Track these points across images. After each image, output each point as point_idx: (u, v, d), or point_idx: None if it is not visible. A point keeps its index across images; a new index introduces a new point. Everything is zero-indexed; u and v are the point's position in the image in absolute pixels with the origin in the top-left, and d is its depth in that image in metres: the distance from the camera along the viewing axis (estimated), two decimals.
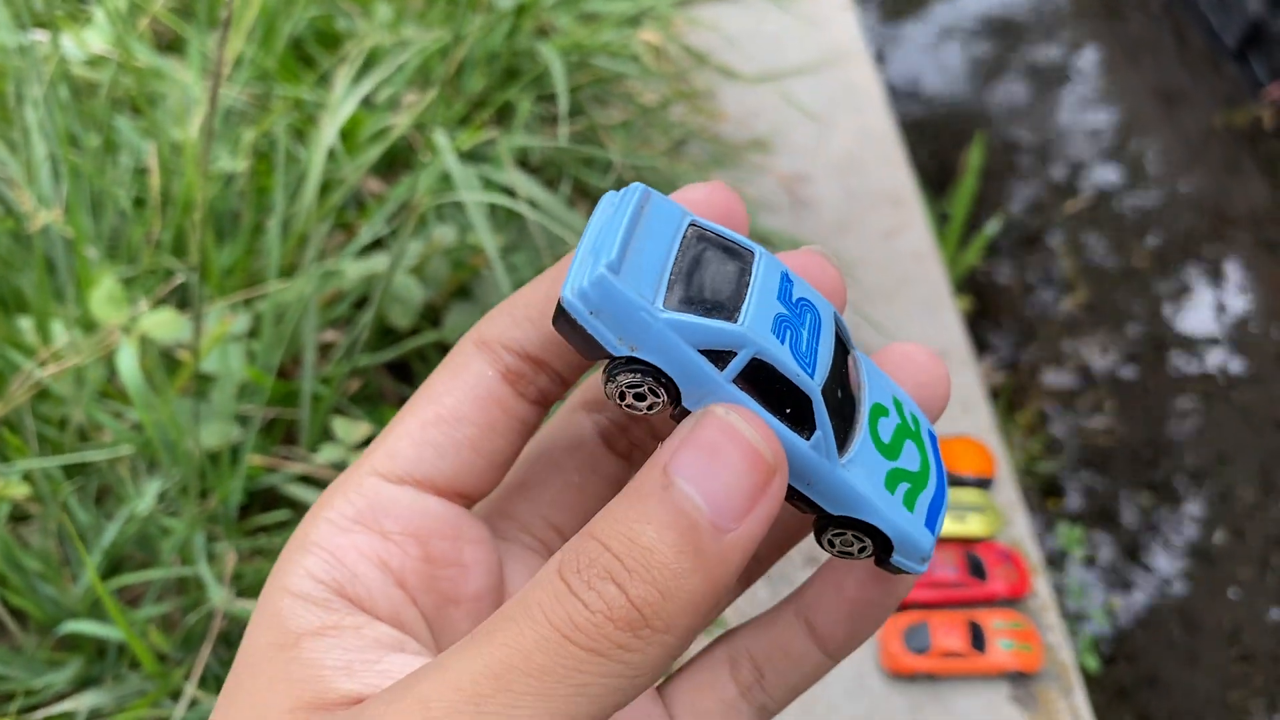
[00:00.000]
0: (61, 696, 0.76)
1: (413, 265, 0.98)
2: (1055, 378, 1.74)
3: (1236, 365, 1.74)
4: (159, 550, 0.80)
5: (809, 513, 0.28)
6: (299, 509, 0.89)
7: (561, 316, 0.26)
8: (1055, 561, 1.53)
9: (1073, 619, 1.48)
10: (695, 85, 1.37)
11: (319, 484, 0.89)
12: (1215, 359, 1.75)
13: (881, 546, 0.28)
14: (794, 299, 0.27)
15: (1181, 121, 2.10)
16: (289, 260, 0.96)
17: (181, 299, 0.93)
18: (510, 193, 1.00)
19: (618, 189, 0.28)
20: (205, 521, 0.82)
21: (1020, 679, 0.99)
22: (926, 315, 1.28)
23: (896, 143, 1.48)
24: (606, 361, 0.26)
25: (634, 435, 0.34)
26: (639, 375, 0.26)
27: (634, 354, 0.26)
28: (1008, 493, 1.13)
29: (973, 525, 1.08)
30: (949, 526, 1.08)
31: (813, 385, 0.26)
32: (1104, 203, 1.96)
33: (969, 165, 1.67)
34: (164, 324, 0.85)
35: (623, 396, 0.27)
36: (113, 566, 0.80)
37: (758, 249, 0.28)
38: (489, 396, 0.30)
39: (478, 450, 0.30)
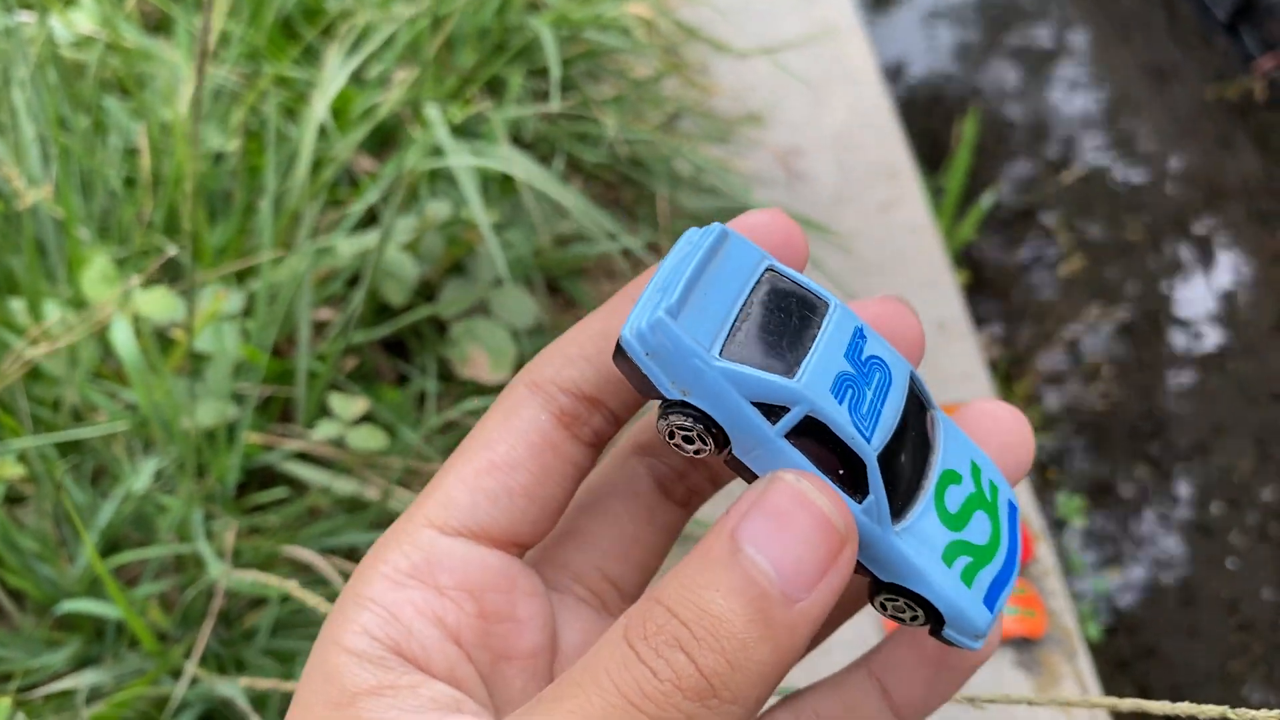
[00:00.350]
0: (60, 676, 0.76)
1: (407, 241, 0.97)
2: (1051, 351, 1.74)
3: (1232, 337, 1.75)
4: (156, 528, 0.79)
5: (861, 575, 0.28)
6: (296, 486, 0.89)
7: (620, 354, 0.26)
8: (1055, 530, 1.54)
9: (1072, 592, 1.48)
10: (687, 59, 1.36)
11: (316, 461, 0.89)
12: (1210, 331, 1.76)
13: (933, 618, 0.27)
14: (863, 357, 0.27)
15: (1173, 96, 2.10)
16: (282, 239, 0.96)
17: (173, 277, 0.92)
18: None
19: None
20: (203, 500, 0.81)
21: (1024, 644, 0.99)
22: (926, 288, 1.28)
23: (891, 116, 1.47)
24: (661, 399, 0.26)
25: (691, 481, 0.33)
26: (689, 420, 0.26)
27: (686, 398, 0.26)
28: None
29: None
30: None
31: (868, 449, 0.26)
32: (1097, 177, 1.96)
33: (963, 138, 1.67)
34: (157, 301, 0.84)
35: (671, 435, 0.26)
36: (110, 545, 0.80)
37: (834, 301, 0.27)
38: (543, 441, 0.29)
39: (532, 497, 0.29)
